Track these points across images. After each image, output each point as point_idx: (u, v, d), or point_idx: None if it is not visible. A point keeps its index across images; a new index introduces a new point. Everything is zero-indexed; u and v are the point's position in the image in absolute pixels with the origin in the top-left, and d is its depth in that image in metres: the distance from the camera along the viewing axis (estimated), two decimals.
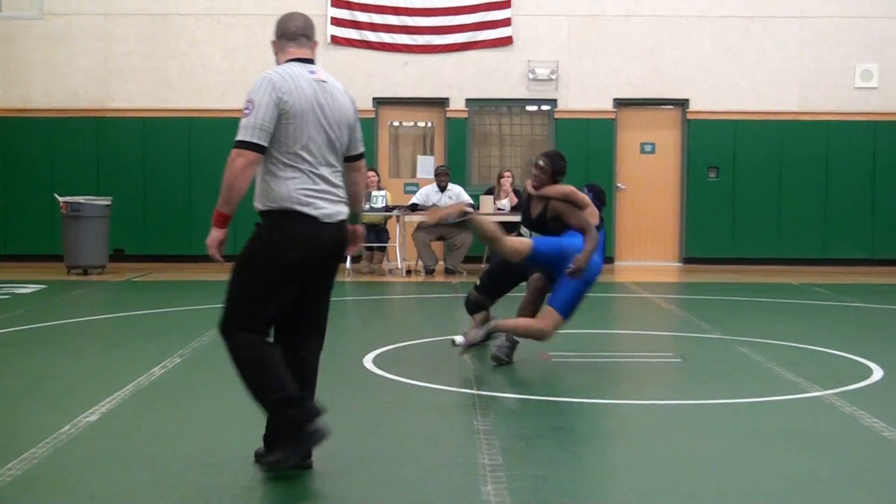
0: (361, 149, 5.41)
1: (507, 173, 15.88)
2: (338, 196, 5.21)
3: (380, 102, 17.28)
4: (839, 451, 5.89)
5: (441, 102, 17.33)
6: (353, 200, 5.43)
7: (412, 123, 17.78)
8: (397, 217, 15.65)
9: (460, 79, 17.15)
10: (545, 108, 17.35)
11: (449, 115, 17.31)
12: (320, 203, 5.11)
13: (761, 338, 9.55)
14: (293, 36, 5.26)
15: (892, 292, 13.94)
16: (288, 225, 5.08)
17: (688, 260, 17.45)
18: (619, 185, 17.47)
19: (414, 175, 17.57)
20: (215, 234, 5.11)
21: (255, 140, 4.99)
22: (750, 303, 12.62)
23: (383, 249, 16.14)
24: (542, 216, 8.06)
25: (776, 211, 17.28)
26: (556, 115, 17.22)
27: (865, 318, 11.38)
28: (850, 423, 6.44)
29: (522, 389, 7.45)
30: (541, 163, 8.08)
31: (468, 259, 15.80)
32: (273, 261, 5.07)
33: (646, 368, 8.35)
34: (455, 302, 12.36)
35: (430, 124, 17.69)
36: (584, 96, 17.20)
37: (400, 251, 15.69)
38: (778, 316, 11.49)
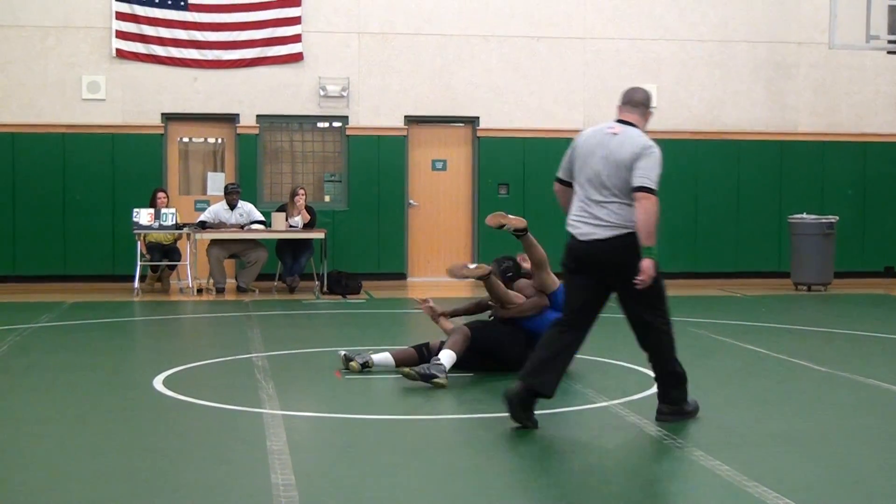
0: (635, 183, 6.59)
1: (301, 191, 15.78)
2: (599, 220, 6.68)
3: (169, 118, 16.93)
4: (625, 458, 6.09)
5: (231, 118, 17.12)
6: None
7: (202, 139, 17.50)
8: (188, 235, 15.37)
9: (251, 95, 16.98)
10: (336, 124, 17.36)
11: (239, 131, 17.11)
12: (578, 224, 6.78)
13: None
14: (624, 102, 7.03)
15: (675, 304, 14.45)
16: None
17: None
18: (411, 201, 17.63)
19: (205, 192, 17.27)
20: None
21: (557, 174, 6.97)
22: None
23: (173, 268, 15.82)
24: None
25: (563, 226, 17.71)
26: (348, 132, 17.26)
27: None
28: (635, 431, 6.67)
29: (314, 407, 7.41)
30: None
31: (261, 277, 15.63)
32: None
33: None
34: (247, 320, 12.20)
35: (220, 140, 17.45)
36: (375, 113, 17.30)
37: (191, 269, 15.40)
38: None
